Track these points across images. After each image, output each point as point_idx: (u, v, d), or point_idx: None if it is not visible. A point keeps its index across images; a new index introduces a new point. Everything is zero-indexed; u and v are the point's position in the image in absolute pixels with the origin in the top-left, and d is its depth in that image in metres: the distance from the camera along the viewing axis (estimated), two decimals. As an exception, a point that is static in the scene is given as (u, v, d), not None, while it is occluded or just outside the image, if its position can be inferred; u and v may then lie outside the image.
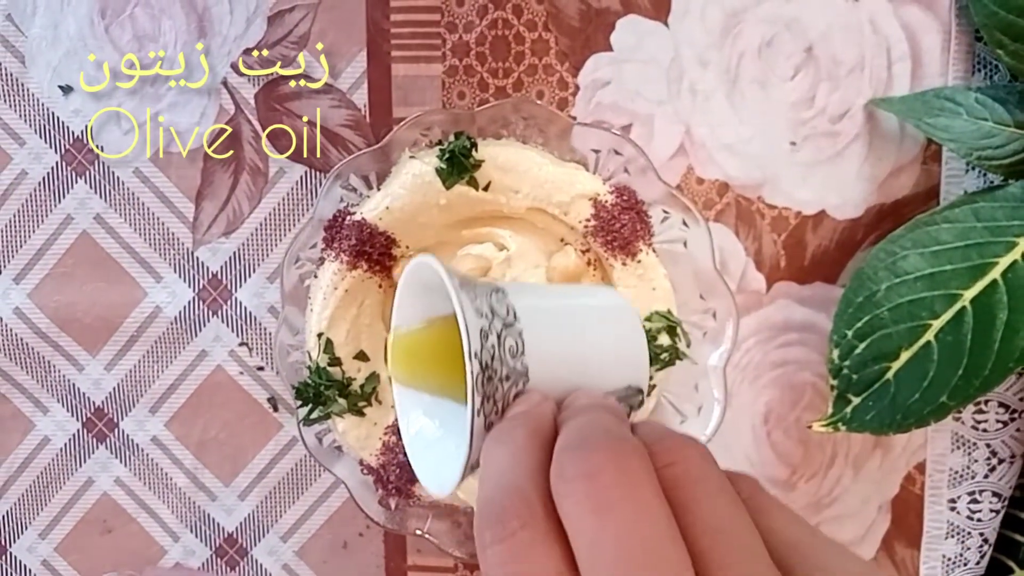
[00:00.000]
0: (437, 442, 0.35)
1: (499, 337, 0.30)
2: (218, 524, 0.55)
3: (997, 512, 0.51)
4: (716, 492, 0.24)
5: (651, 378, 0.45)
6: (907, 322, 0.44)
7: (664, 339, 0.47)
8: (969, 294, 0.44)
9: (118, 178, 0.52)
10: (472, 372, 0.29)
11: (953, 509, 0.51)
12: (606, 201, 0.46)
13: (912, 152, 0.49)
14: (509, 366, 0.30)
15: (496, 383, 0.29)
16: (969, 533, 0.52)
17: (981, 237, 0.44)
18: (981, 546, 0.52)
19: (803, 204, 0.50)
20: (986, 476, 0.51)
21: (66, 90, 0.52)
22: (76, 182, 0.52)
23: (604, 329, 0.34)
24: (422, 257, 0.34)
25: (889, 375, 0.44)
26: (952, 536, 0.52)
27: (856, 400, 0.45)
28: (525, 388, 0.30)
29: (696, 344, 0.48)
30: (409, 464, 0.45)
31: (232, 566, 0.55)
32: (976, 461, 0.51)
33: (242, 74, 0.51)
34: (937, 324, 0.44)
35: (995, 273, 0.44)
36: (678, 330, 0.47)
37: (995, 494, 0.51)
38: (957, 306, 0.44)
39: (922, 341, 0.44)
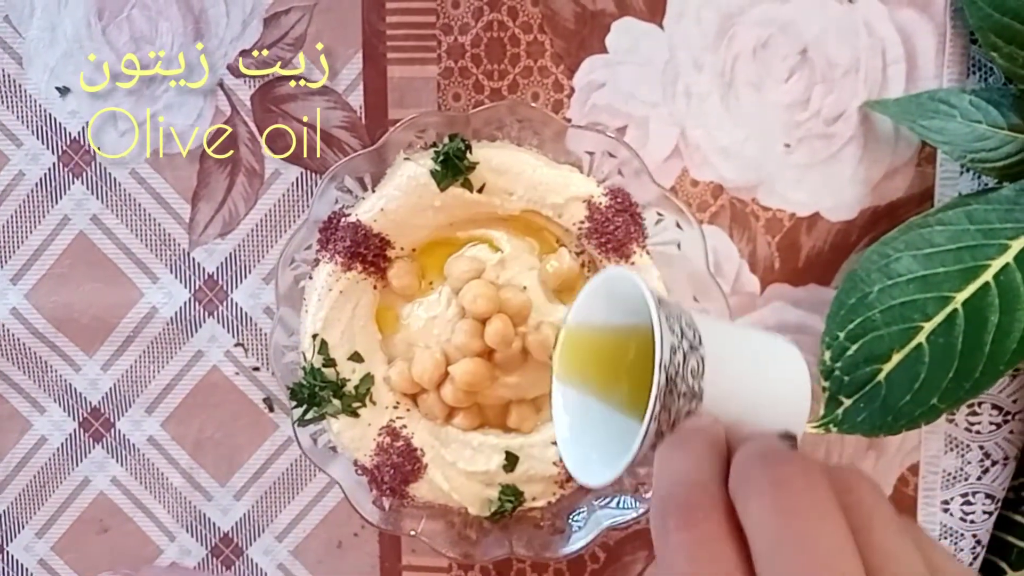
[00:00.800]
0: (582, 436, 0.38)
1: (684, 356, 0.32)
2: (214, 524, 0.55)
3: (990, 514, 0.51)
4: (889, 521, 0.26)
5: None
6: (899, 324, 0.44)
7: (658, 341, 0.47)
8: (961, 296, 0.44)
9: (115, 179, 0.52)
10: (659, 382, 0.31)
11: (946, 510, 0.52)
12: (600, 203, 0.47)
13: (906, 154, 0.49)
14: (688, 385, 0.32)
15: (674, 397, 0.32)
16: (962, 534, 0.52)
17: (974, 240, 0.44)
18: (974, 547, 0.52)
19: (797, 206, 0.50)
20: (979, 478, 0.51)
21: (63, 91, 0.52)
22: (73, 183, 0.52)
23: (777, 371, 0.36)
24: (622, 271, 0.36)
25: (880, 377, 0.44)
26: (945, 537, 0.52)
27: (848, 402, 0.45)
28: (697, 409, 0.32)
29: (690, 346, 0.48)
30: (403, 465, 0.46)
31: (228, 565, 0.55)
32: (969, 463, 0.51)
33: (238, 76, 0.51)
34: (929, 326, 0.44)
35: (987, 276, 0.44)
36: (672, 332, 0.47)
37: (988, 496, 0.51)
38: (949, 308, 0.44)
39: (914, 343, 0.44)
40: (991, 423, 0.51)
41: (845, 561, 0.24)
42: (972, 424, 0.51)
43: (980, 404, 0.51)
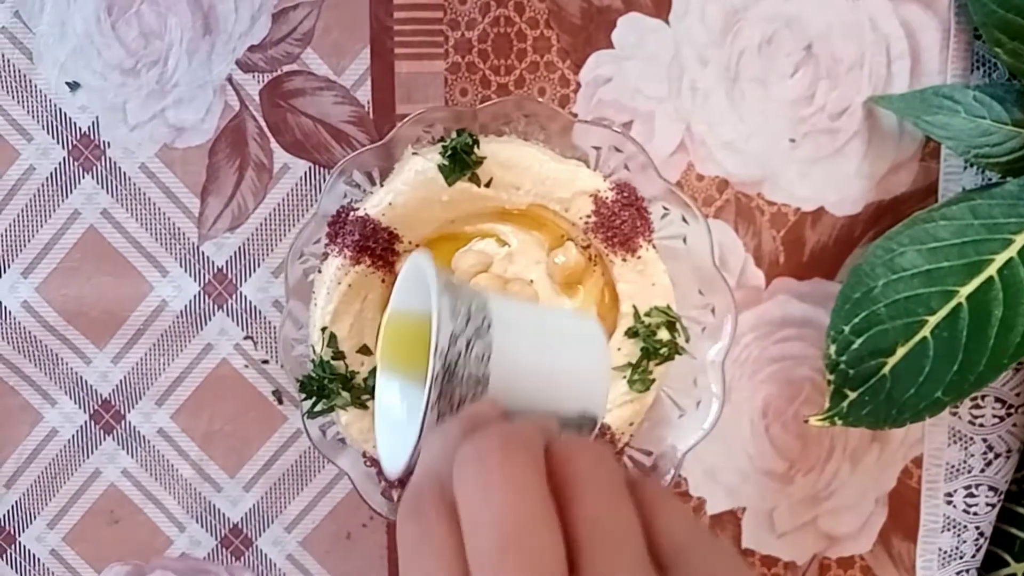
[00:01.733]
0: (400, 424, 0.37)
1: (468, 342, 0.32)
2: (223, 515, 0.55)
3: (993, 506, 0.52)
4: (602, 488, 0.26)
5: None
6: (903, 318, 0.44)
7: (663, 334, 0.48)
8: (965, 291, 0.44)
9: (124, 174, 0.53)
10: (433, 368, 0.31)
11: (950, 503, 0.52)
12: (607, 198, 0.47)
13: (911, 149, 0.50)
14: (472, 371, 0.32)
15: (455, 384, 0.31)
16: (965, 527, 0.52)
17: (978, 234, 0.45)
18: (977, 539, 0.52)
19: (802, 201, 0.50)
20: (982, 470, 0.52)
21: (73, 86, 0.52)
22: (83, 177, 0.53)
23: (570, 354, 0.35)
24: (418, 254, 0.35)
25: (885, 370, 0.45)
26: (948, 529, 0.52)
27: (852, 395, 0.45)
28: (482, 394, 0.32)
29: (695, 339, 0.48)
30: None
31: (237, 556, 0.56)
32: (973, 455, 0.52)
33: (247, 71, 0.51)
34: (933, 320, 0.44)
35: (991, 270, 0.44)
36: (677, 325, 0.48)
37: (991, 488, 0.52)
38: (953, 303, 0.44)
39: (918, 337, 0.44)
40: (994, 416, 0.51)
41: (539, 538, 0.24)
42: (976, 417, 0.51)
43: (983, 397, 0.51)
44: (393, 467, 0.34)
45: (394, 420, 0.38)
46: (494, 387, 0.32)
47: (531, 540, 0.24)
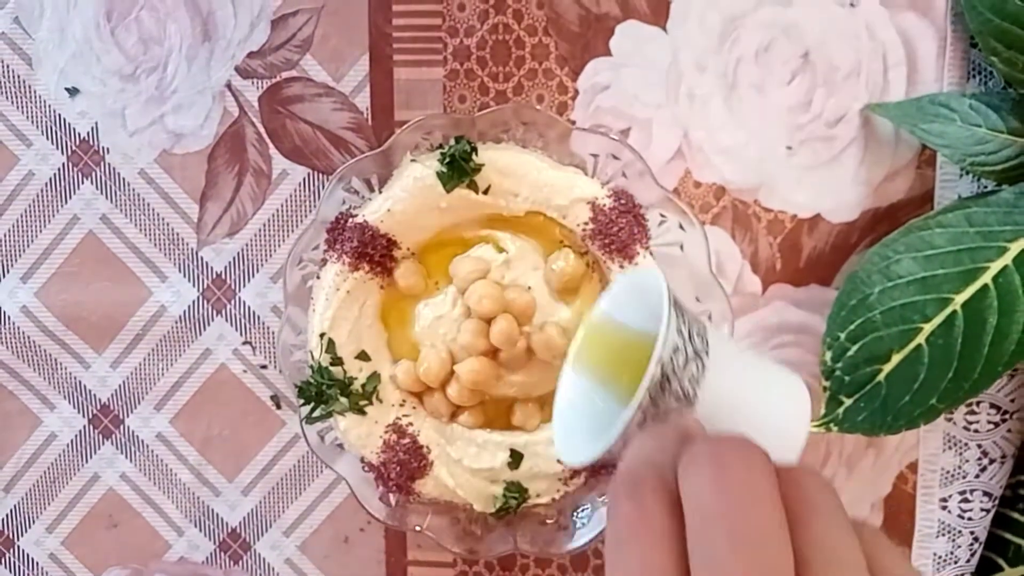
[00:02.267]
0: (583, 418, 0.39)
1: (686, 358, 0.33)
2: (222, 519, 0.55)
3: (988, 511, 0.52)
4: (832, 516, 0.26)
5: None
6: (899, 325, 0.44)
7: (661, 340, 0.47)
8: (960, 298, 0.44)
9: (124, 179, 0.53)
10: (651, 374, 0.32)
11: (944, 508, 0.52)
12: (604, 205, 0.47)
13: (907, 157, 0.50)
14: (683, 387, 0.33)
15: (665, 394, 0.33)
16: (960, 532, 0.52)
17: (973, 242, 0.45)
18: (972, 544, 0.52)
19: (799, 207, 0.50)
20: (977, 476, 0.52)
21: (72, 92, 0.52)
22: (82, 183, 0.53)
23: (775, 403, 0.37)
24: (653, 272, 0.38)
25: (880, 377, 0.45)
26: (943, 535, 0.52)
27: (848, 401, 0.45)
28: (686, 411, 0.33)
29: (692, 345, 0.48)
30: (408, 462, 0.47)
31: (235, 560, 0.56)
32: (967, 461, 0.52)
33: (246, 77, 0.51)
34: (928, 328, 0.44)
35: (986, 278, 0.44)
36: (674, 332, 0.48)
37: (986, 493, 0.52)
38: (948, 310, 0.44)
39: (913, 344, 0.44)
40: (989, 422, 0.51)
41: (772, 546, 0.24)
42: (970, 423, 0.51)
43: (978, 403, 0.51)
44: (576, 454, 0.36)
45: (581, 411, 0.39)
46: (699, 409, 0.33)
47: (764, 546, 0.24)
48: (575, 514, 0.50)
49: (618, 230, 0.47)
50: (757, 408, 0.36)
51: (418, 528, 0.49)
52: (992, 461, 0.52)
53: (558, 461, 0.47)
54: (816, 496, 0.26)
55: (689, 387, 0.33)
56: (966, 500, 0.52)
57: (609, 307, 0.40)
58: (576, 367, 0.40)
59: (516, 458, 0.48)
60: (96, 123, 0.52)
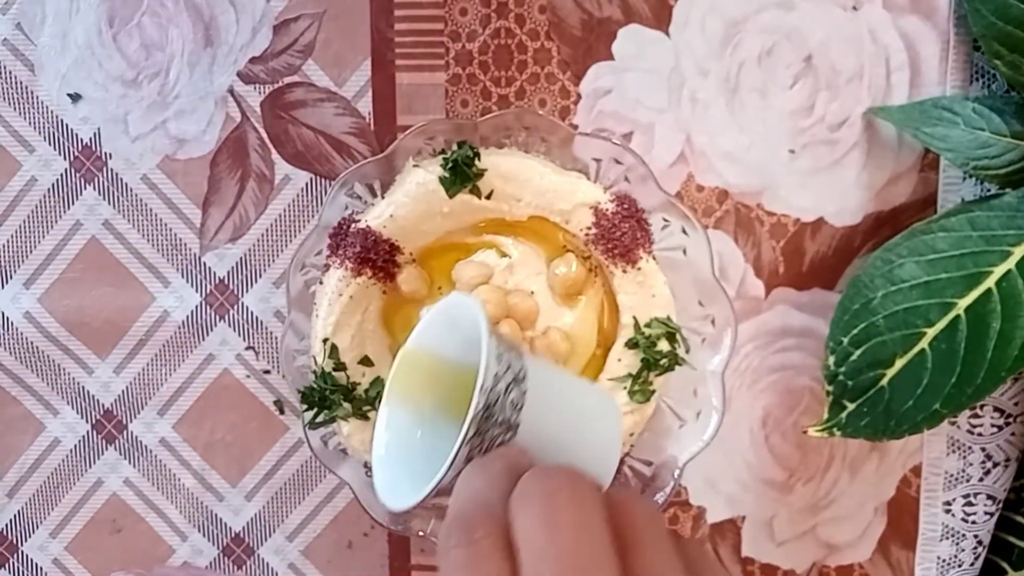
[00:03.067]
0: (403, 456, 0.38)
1: (507, 387, 0.33)
2: (225, 524, 0.55)
3: (991, 514, 0.52)
4: (658, 542, 0.27)
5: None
6: (902, 330, 0.44)
7: (663, 345, 0.47)
8: (964, 303, 0.44)
9: (126, 185, 0.53)
10: (476, 405, 0.32)
11: (948, 511, 0.52)
12: (607, 209, 0.47)
13: (910, 160, 0.50)
14: (506, 415, 0.33)
15: (490, 425, 0.33)
16: (964, 535, 0.52)
17: (976, 246, 0.44)
18: (975, 548, 0.52)
19: (802, 211, 0.50)
20: (981, 479, 0.52)
21: (75, 98, 0.52)
22: (85, 189, 0.53)
23: (591, 422, 0.37)
24: (462, 297, 0.37)
25: (884, 382, 0.44)
26: (947, 538, 0.52)
27: (851, 406, 0.45)
28: (510, 440, 0.33)
29: (695, 350, 0.48)
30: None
31: (239, 565, 0.56)
32: (971, 464, 0.52)
33: (248, 82, 0.51)
34: (932, 332, 0.44)
35: (990, 282, 0.44)
36: (677, 336, 0.48)
37: (990, 497, 0.52)
38: (952, 314, 0.44)
39: (916, 349, 0.44)
40: (993, 425, 0.51)
41: (601, 574, 0.25)
42: (974, 426, 0.51)
43: (982, 407, 0.51)
44: (399, 497, 0.35)
45: (399, 451, 0.38)
46: (521, 436, 0.34)
47: None
48: None
49: (621, 235, 0.47)
50: (573, 430, 0.36)
51: (421, 533, 0.49)
52: (996, 464, 0.51)
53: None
54: (642, 522, 0.27)
55: (511, 415, 0.33)
56: (970, 504, 0.52)
57: (422, 337, 0.40)
58: (391, 402, 0.39)
59: None
60: (98, 129, 0.52)
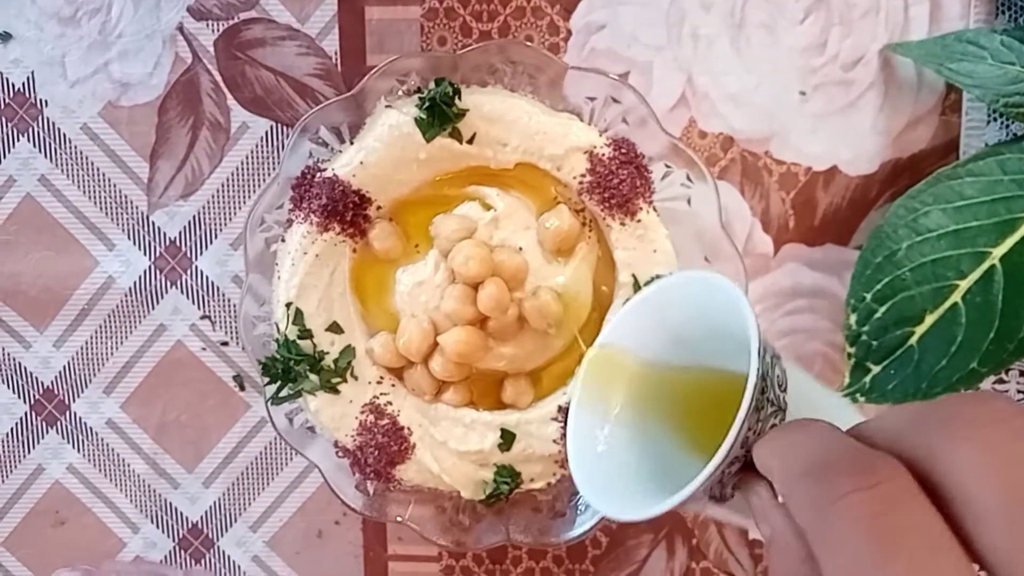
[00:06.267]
0: (613, 465, 0.36)
1: (772, 361, 0.31)
2: (181, 514, 0.52)
3: (1018, 488, 0.49)
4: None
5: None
6: (931, 283, 0.42)
7: (666, 305, 0.44)
8: (998, 251, 0.41)
9: (64, 135, 0.49)
10: (754, 375, 0.29)
11: (972, 486, 0.49)
12: (603, 154, 0.43)
13: (930, 102, 0.47)
14: (776, 394, 0.30)
15: (764, 402, 0.30)
16: (988, 511, 0.49)
17: (1008, 191, 0.42)
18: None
19: (813, 159, 0.47)
20: (1006, 450, 0.48)
21: (5, 37, 0.48)
22: (18, 140, 0.49)
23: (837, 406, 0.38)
24: (724, 282, 0.33)
25: (912, 340, 0.42)
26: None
27: (876, 369, 0.42)
28: (781, 422, 0.31)
29: (700, 311, 0.44)
30: (388, 445, 0.43)
31: (197, 559, 0.53)
32: (996, 434, 0.48)
33: (200, 19, 0.47)
34: (964, 284, 0.41)
35: None
36: (681, 296, 0.44)
37: (1016, 469, 0.49)
38: (985, 264, 0.41)
39: (948, 303, 0.41)
40: (1019, 391, 0.48)
41: None
42: (999, 392, 0.48)
43: (1008, 371, 0.48)
44: (644, 510, 0.31)
45: (613, 458, 0.37)
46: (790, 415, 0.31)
47: None
48: (573, 500, 0.46)
49: (619, 183, 0.43)
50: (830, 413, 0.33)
51: (399, 519, 0.46)
52: (1023, 434, 0.48)
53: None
54: None
55: (780, 394, 0.31)
56: (995, 476, 0.48)
57: (615, 334, 0.38)
58: (583, 406, 0.38)
59: (507, 439, 0.45)
60: (32, 72, 0.48)
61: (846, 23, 0.46)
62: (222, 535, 0.52)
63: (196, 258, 0.49)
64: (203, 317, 0.50)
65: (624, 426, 0.37)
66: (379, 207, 0.44)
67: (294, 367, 0.44)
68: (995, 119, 0.46)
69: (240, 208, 0.49)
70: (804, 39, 0.46)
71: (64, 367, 0.51)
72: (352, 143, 0.44)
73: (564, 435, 0.40)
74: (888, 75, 0.46)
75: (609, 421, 0.37)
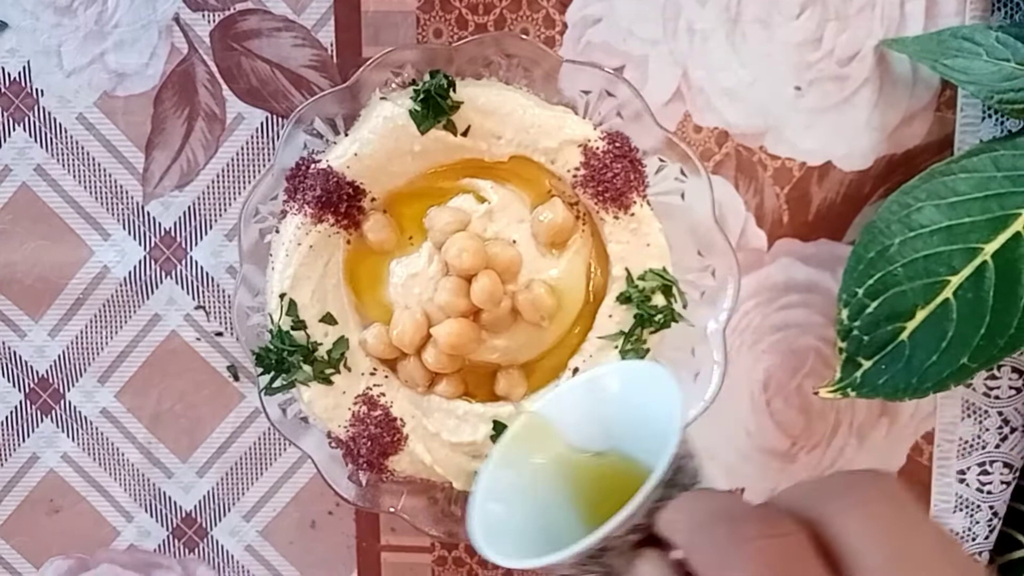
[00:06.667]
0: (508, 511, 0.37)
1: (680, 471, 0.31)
2: (175, 503, 0.52)
3: (1008, 484, 0.49)
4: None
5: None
6: (923, 278, 0.41)
7: (659, 299, 0.44)
8: (990, 248, 0.41)
9: (60, 125, 0.49)
10: (657, 480, 0.29)
11: (962, 481, 0.49)
12: (597, 148, 0.43)
13: (925, 98, 0.47)
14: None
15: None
16: (978, 506, 0.49)
17: (1001, 187, 0.42)
18: (990, 520, 0.49)
19: (808, 154, 0.47)
20: (997, 446, 0.49)
21: (0, 27, 0.48)
22: (14, 129, 0.49)
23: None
24: (665, 376, 0.35)
25: (904, 336, 0.42)
26: (961, 509, 0.49)
27: (867, 364, 0.42)
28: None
29: (693, 305, 0.44)
30: (381, 436, 0.44)
31: (191, 548, 0.52)
32: (987, 430, 0.49)
33: (196, 9, 0.47)
34: (956, 280, 0.41)
35: (1018, 225, 0.41)
36: (674, 289, 0.44)
37: (1006, 465, 0.49)
38: (977, 261, 0.41)
39: (940, 299, 0.41)
40: (1011, 388, 0.48)
41: None
42: (991, 389, 0.48)
43: (999, 367, 0.48)
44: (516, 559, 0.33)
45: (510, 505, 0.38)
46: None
47: None
48: None
49: (612, 176, 0.43)
50: None
51: (392, 510, 0.46)
52: (1014, 430, 0.49)
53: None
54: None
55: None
56: (985, 472, 0.49)
57: (552, 408, 0.40)
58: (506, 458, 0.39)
59: (500, 431, 0.45)
60: (28, 62, 0.48)
61: (842, 18, 0.46)
62: (216, 524, 0.52)
63: (191, 248, 0.49)
64: (197, 307, 0.50)
65: (531, 493, 0.38)
66: (373, 199, 0.44)
67: (288, 358, 0.44)
68: (990, 116, 0.46)
69: (235, 199, 0.48)
70: (800, 34, 0.46)
71: (59, 356, 0.51)
72: (347, 135, 0.44)
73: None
74: (883, 71, 0.46)
75: (522, 481, 0.38)
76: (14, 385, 0.51)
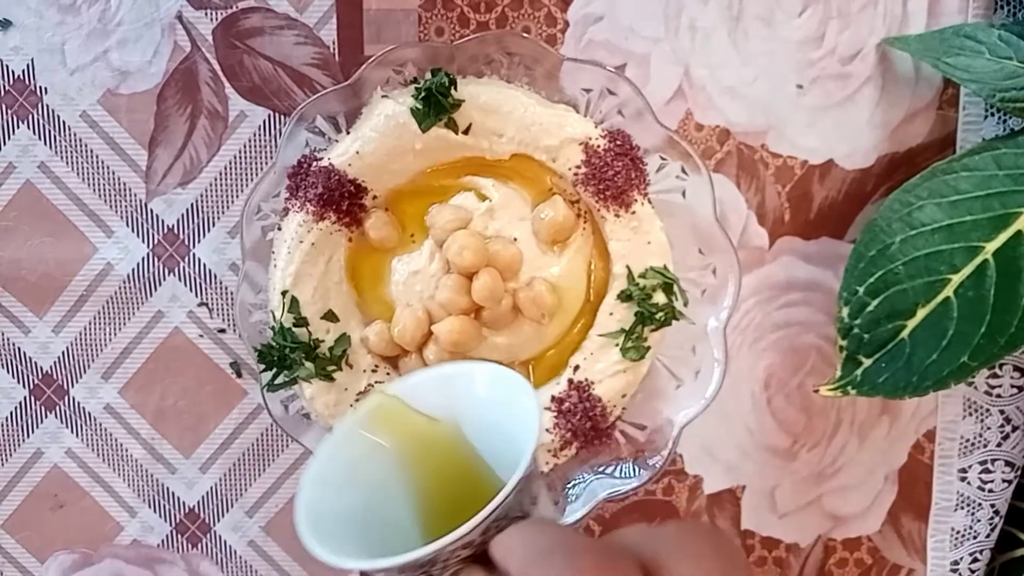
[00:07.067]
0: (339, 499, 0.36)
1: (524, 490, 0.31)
2: (178, 498, 0.52)
3: (1009, 482, 0.49)
4: None
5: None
6: (924, 277, 0.41)
7: (659, 297, 0.44)
8: (991, 246, 0.41)
9: (64, 122, 0.48)
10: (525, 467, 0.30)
11: (964, 479, 0.49)
12: (598, 146, 0.43)
13: (927, 96, 0.46)
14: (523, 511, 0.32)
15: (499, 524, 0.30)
16: (980, 504, 0.49)
17: (1003, 186, 0.42)
18: (992, 518, 0.49)
19: (809, 153, 0.47)
20: (999, 444, 0.49)
21: (4, 25, 0.48)
22: (18, 127, 0.49)
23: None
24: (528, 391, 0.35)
25: (904, 334, 0.41)
26: (962, 508, 0.49)
27: (867, 362, 0.42)
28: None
29: (694, 303, 0.44)
30: None
31: (194, 543, 0.52)
32: (989, 428, 0.49)
33: (199, 7, 0.47)
34: (957, 279, 0.41)
35: (1019, 224, 0.41)
36: (674, 287, 0.44)
37: (1008, 463, 0.49)
38: (978, 259, 0.41)
39: (940, 297, 0.41)
40: (1012, 386, 0.48)
41: None
42: (992, 387, 0.48)
43: (1001, 366, 0.48)
44: (333, 556, 0.32)
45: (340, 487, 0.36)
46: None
47: None
48: (565, 489, 0.46)
49: (614, 174, 0.43)
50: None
51: None
52: (1015, 428, 0.49)
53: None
54: None
55: (529, 508, 0.32)
56: (987, 471, 0.49)
57: (412, 394, 0.38)
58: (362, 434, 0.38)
59: None
60: (32, 60, 0.48)
61: (844, 16, 0.46)
62: (219, 520, 0.52)
63: (194, 246, 0.49)
64: (200, 304, 0.50)
65: (366, 480, 0.37)
66: (375, 196, 0.44)
67: (290, 355, 0.44)
68: (992, 114, 0.46)
69: (237, 196, 0.48)
70: (802, 32, 0.46)
71: (63, 352, 0.50)
72: (348, 132, 0.44)
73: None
74: (885, 69, 0.46)
75: (358, 468, 0.37)
76: (18, 381, 0.51)
